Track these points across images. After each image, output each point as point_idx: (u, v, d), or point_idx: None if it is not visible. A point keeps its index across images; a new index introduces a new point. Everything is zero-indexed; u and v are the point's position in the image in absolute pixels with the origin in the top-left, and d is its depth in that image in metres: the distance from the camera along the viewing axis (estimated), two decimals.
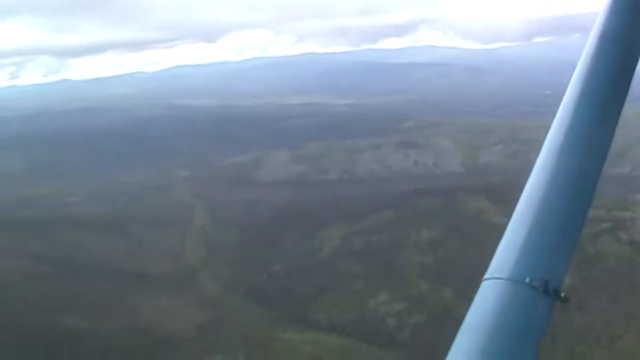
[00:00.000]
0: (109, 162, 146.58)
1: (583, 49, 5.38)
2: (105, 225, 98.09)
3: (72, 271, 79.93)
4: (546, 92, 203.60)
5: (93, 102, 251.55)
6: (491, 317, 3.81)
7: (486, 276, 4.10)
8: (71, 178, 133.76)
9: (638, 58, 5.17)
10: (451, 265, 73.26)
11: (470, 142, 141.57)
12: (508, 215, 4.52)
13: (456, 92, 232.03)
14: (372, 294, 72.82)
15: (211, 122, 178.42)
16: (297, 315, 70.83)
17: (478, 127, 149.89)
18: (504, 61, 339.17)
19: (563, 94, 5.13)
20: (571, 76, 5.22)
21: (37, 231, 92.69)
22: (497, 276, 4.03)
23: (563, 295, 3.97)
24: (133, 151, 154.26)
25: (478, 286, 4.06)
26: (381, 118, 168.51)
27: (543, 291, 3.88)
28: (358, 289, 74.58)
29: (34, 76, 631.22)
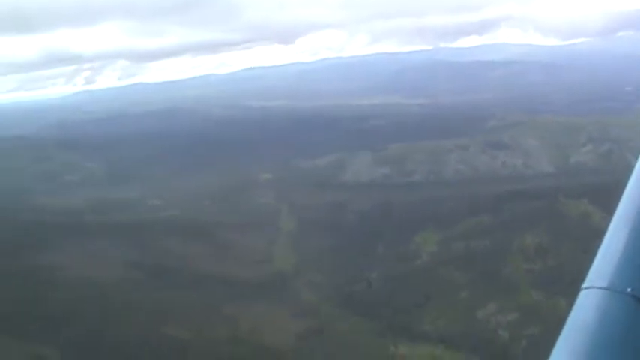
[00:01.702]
0: (188, 165, 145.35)
1: None
2: (191, 229, 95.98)
3: (164, 277, 77.79)
4: (626, 88, 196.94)
5: (167, 104, 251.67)
6: (591, 329, 3.46)
7: (585, 285, 3.74)
8: (152, 182, 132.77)
9: None
10: (563, 273, 68.45)
11: (557, 142, 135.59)
12: None
13: (534, 90, 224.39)
14: (480, 303, 68.82)
15: (287, 124, 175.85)
16: (400, 325, 67.06)
17: (562, 125, 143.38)
18: (583, 57, 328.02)
19: None
20: None
21: (126, 236, 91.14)
22: (597, 285, 3.69)
23: None
24: (211, 154, 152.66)
25: (576, 296, 3.67)
26: (460, 117, 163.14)
27: None
28: (464, 298, 70.68)
29: (109, 80, 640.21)
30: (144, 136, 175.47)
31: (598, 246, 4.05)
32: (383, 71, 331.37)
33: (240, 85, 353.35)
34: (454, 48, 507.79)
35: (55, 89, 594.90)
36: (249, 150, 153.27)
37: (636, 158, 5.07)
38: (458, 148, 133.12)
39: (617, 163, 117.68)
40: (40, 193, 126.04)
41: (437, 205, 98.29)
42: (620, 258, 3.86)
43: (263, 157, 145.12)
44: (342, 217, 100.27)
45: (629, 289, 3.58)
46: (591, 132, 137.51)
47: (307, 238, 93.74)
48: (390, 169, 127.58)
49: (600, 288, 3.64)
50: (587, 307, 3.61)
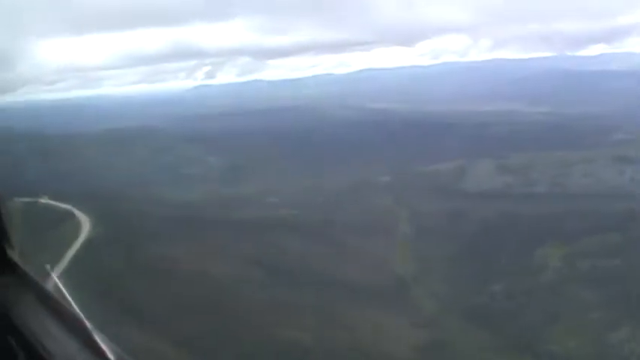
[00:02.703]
0: (305, 163, 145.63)
1: None
2: (309, 229, 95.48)
3: (283, 277, 77.45)
4: None
5: (285, 102, 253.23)
6: None
7: None
8: (270, 179, 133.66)
9: None
10: None
11: None
12: None
13: None
14: (612, 327, 65.53)
15: (406, 127, 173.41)
16: (525, 343, 64.71)
17: None
18: None
19: None
20: None
21: (244, 232, 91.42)
22: None
23: None
24: (328, 153, 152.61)
25: None
26: (585, 128, 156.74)
27: None
28: (594, 320, 67.51)
29: (229, 76, 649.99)
30: (262, 133, 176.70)
31: None
32: (504, 77, 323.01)
33: (358, 86, 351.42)
34: (579, 56, 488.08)
35: (175, 83, 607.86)
36: (367, 151, 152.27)
37: None
38: (583, 161, 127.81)
39: None
40: (161, 185, 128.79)
41: (561, 219, 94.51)
42: None
43: (381, 159, 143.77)
44: (462, 225, 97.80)
45: None
46: None
47: (427, 244, 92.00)
48: (513, 178, 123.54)
49: None
50: None
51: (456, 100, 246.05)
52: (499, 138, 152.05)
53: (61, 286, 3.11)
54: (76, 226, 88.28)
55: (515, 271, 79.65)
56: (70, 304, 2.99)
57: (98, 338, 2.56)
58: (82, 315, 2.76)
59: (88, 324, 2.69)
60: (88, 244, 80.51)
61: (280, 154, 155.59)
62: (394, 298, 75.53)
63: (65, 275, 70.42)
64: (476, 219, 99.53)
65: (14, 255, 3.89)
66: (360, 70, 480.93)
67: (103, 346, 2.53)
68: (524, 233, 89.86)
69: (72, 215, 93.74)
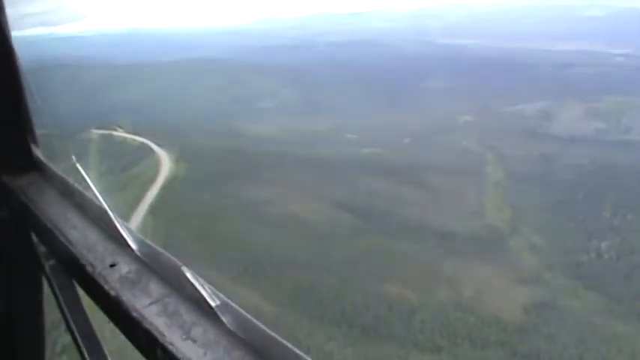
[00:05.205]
0: (380, 99, 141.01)
1: None
2: (395, 170, 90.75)
3: (374, 221, 73.64)
4: None
5: (353, 36, 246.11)
6: None
7: None
8: (346, 114, 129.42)
9: None
10: None
11: None
12: None
13: None
14: None
15: (482, 64, 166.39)
16: None
17: None
18: None
19: None
20: None
21: (328, 171, 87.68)
22: None
23: None
24: (403, 90, 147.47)
25: None
26: None
27: None
28: None
29: (295, 8, 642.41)
30: (334, 67, 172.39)
31: None
32: (576, 16, 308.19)
33: (429, 21, 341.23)
34: None
35: (239, 16, 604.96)
36: (443, 89, 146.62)
37: None
38: None
39: None
40: (236, 118, 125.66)
41: None
42: None
43: (459, 97, 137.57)
44: (556, 172, 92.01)
45: None
46: None
47: (520, 191, 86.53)
48: (605, 123, 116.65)
49: None
50: None
51: (528, 37, 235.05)
52: (584, 80, 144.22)
53: (88, 178, 2.94)
54: (157, 162, 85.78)
55: (623, 227, 74.02)
56: (97, 197, 2.86)
57: (122, 228, 2.57)
58: (106, 206, 2.69)
59: (112, 214, 2.64)
60: (172, 182, 77.96)
61: (354, 89, 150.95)
62: (492, 249, 70.93)
63: (152, 215, 67.87)
64: (570, 166, 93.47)
65: (39, 152, 3.73)
66: (432, 6, 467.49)
67: (126, 236, 2.54)
68: (626, 185, 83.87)
69: (150, 150, 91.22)
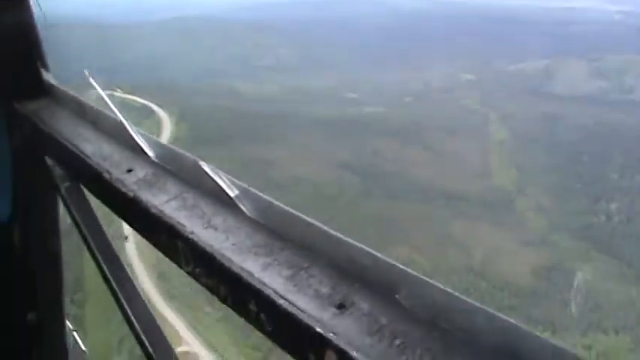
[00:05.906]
0: (380, 57, 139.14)
1: None
2: (398, 129, 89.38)
3: (381, 182, 72.68)
4: None
5: None
6: None
7: None
8: (345, 72, 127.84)
9: None
10: None
11: None
12: None
13: None
14: None
15: (482, 21, 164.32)
16: None
17: None
18: None
19: None
20: None
21: (331, 130, 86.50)
22: None
23: None
24: (403, 47, 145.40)
25: None
26: None
27: None
28: None
29: None
30: (330, 24, 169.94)
31: None
32: None
33: None
34: None
35: None
36: (444, 46, 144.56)
37: None
38: None
39: None
40: (234, 77, 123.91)
41: None
42: None
43: (460, 55, 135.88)
44: (560, 132, 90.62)
45: None
46: None
47: (524, 151, 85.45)
48: (607, 82, 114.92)
49: None
50: None
51: None
52: (585, 37, 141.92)
53: (102, 93, 2.90)
54: (158, 124, 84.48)
55: (630, 189, 73.12)
56: (112, 110, 2.85)
57: (137, 136, 2.58)
58: (122, 116, 2.70)
59: (127, 123, 2.65)
60: (173, 144, 76.19)
61: (353, 46, 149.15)
62: (499, 210, 70.23)
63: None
64: (574, 126, 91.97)
65: (50, 77, 3.67)
66: None
67: (142, 144, 2.56)
68: (632, 145, 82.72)
69: (150, 110, 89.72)
